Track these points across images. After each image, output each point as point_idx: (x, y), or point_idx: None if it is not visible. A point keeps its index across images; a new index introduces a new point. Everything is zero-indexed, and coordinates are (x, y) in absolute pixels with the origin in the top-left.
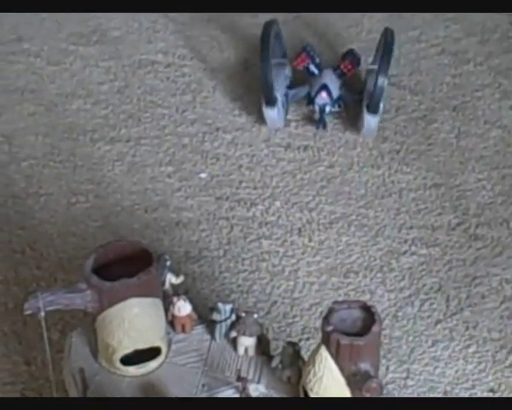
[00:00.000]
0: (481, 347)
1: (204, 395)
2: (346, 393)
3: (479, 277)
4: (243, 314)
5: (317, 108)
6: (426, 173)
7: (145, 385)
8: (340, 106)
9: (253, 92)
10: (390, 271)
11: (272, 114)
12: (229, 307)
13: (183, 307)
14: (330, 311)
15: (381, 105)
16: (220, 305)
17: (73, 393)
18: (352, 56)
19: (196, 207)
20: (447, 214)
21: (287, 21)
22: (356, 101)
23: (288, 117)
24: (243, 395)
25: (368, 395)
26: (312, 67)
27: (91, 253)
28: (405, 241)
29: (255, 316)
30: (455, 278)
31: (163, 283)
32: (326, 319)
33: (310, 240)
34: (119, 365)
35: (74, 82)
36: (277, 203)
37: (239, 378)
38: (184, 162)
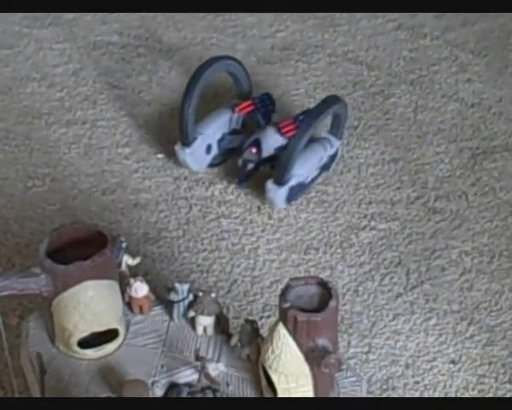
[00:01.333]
0: (442, 319)
1: (163, 375)
2: (304, 369)
3: (438, 250)
4: (201, 294)
5: (240, 161)
6: (384, 148)
7: (104, 368)
8: (273, 166)
9: None
10: (350, 246)
11: (182, 155)
12: (186, 286)
13: (140, 289)
14: (287, 288)
15: (294, 178)
16: (177, 285)
17: (31, 378)
18: (301, 118)
19: (154, 187)
20: (406, 188)
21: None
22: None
23: None
24: (202, 375)
25: (326, 371)
26: (258, 116)
27: (45, 237)
28: (365, 216)
29: (213, 295)
30: (414, 251)
31: (119, 264)
32: (283, 296)
33: (269, 218)
34: (76, 348)
35: (28, 65)
36: (235, 181)
37: (198, 358)
38: (141, 143)
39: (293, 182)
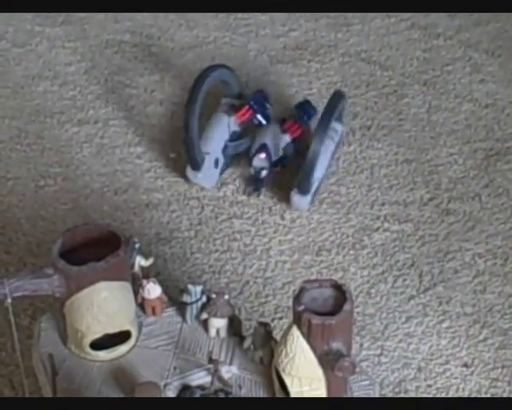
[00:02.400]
0: (455, 322)
1: (176, 377)
2: (318, 373)
3: (451, 252)
4: (214, 295)
5: (252, 171)
6: (397, 149)
7: (116, 370)
8: (284, 165)
9: None
10: (362, 248)
11: (195, 178)
12: (199, 288)
13: (153, 290)
14: (301, 290)
15: (315, 183)
16: (190, 286)
17: (43, 379)
18: (302, 113)
19: (166, 187)
20: (419, 190)
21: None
22: (300, 164)
23: None
24: (215, 377)
25: (340, 375)
26: (259, 117)
27: (58, 237)
28: (377, 217)
29: (226, 297)
30: (427, 253)
31: (132, 265)
32: (297, 299)
33: (281, 218)
34: (88, 350)
35: (41, 64)
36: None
37: (211, 360)
38: (153, 143)
39: (315, 185)
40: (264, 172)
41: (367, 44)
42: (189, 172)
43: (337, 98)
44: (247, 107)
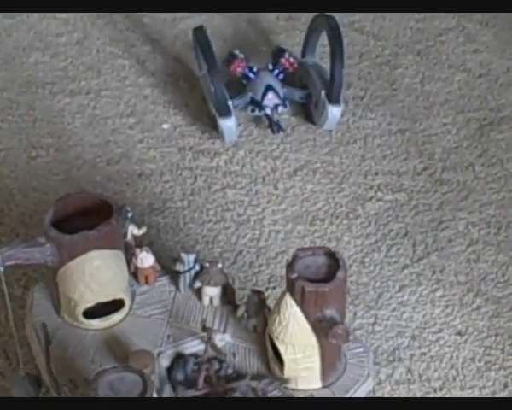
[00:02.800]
0: (448, 290)
1: (169, 346)
2: (312, 340)
3: (445, 221)
4: (207, 264)
5: (268, 110)
6: (390, 119)
7: (109, 338)
8: (285, 106)
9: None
10: (356, 217)
11: (231, 124)
12: (192, 256)
13: (146, 259)
14: (294, 258)
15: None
16: (183, 255)
17: (36, 348)
18: (288, 51)
19: (159, 158)
20: (412, 159)
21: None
22: (302, 97)
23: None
24: (209, 346)
25: (334, 342)
26: (247, 71)
27: (50, 206)
28: (371, 187)
29: (219, 265)
30: (421, 222)
31: (125, 234)
32: (290, 267)
33: (275, 188)
34: (81, 318)
35: (32, 34)
36: (241, 152)
37: (204, 328)
38: (146, 113)
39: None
40: (280, 108)
41: (360, 15)
42: (222, 121)
43: (333, 21)
44: (239, 58)
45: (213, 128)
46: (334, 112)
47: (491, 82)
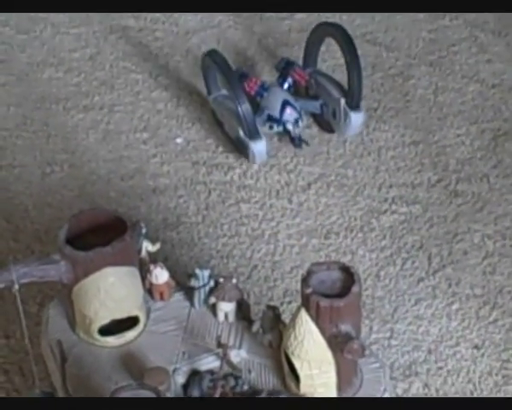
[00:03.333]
0: (464, 303)
1: (184, 362)
2: (327, 355)
3: (460, 233)
4: (221, 280)
5: (290, 126)
6: (404, 131)
7: (125, 355)
8: (303, 119)
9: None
10: (371, 230)
11: (261, 146)
12: (207, 272)
13: (161, 275)
14: (309, 273)
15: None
16: (198, 271)
17: (52, 365)
18: (294, 64)
19: (173, 172)
20: (427, 171)
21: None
22: (317, 109)
23: None
24: (224, 362)
25: (349, 357)
26: (260, 89)
27: (64, 223)
28: (385, 200)
29: (234, 281)
30: (436, 235)
31: (139, 251)
32: (305, 282)
33: (289, 202)
34: (97, 336)
35: (45, 50)
36: (255, 166)
37: (219, 345)
38: (159, 128)
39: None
40: (300, 122)
41: (372, 26)
42: (253, 143)
43: (341, 29)
44: (250, 76)
45: (227, 142)
46: (356, 118)
47: (505, 92)
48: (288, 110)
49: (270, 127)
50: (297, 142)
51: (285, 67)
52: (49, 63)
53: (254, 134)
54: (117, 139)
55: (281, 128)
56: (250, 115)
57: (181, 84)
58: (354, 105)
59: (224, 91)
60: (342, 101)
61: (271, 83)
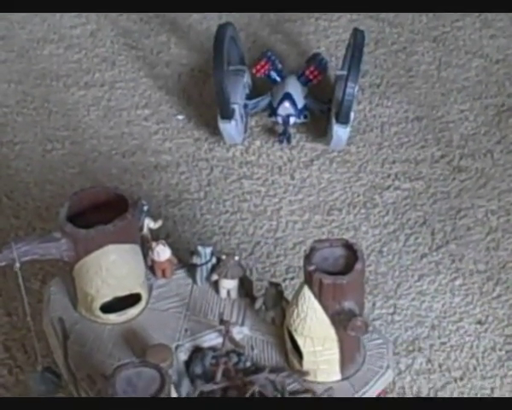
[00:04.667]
0: (468, 279)
1: (187, 339)
2: (330, 332)
3: (464, 209)
4: (224, 257)
5: (279, 119)
6: (407, 106)
7: (127, 332)
8: (306, 117)
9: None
10: (374, 206)
11: (229, 128)
12: (209, 249)
13: (163, 252)
14: (312, 250)
15: (352, 114)
16: (200, 248)
17: (54, 342)
18: (318, 61)
19: (175, 149)
20: (430, 147)
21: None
22: (323, 111)
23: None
24: (226, 339)
25: (353, 334)
26: (274, 74)
27: (65, 201)
28: (388, 175)
29: (236, 258)
30: (439, 211)
31: (141, 228)
32: (308, 259)
33: (291, 178)
34: (98, 313)
35: (45, 27)
36: (257, 142)
37: (222, 321)
38: (161, 104)
39: (352, 118)
40: (291, 119)
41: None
42: (221, 124)
43: (360, 36)
44: (264, 59)
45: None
46: (339, 132)
47: (509, 67)
48: (286, 104)
49: (269, 115)
50: (280, 137)
51: (308, 61)
52: (49, 40)
53: (224, 114)
54: (118, 116)
55: (275, 119)
56: (223, 94)
57: (182, 60)
58: (340, 118)
59: (233, 67)
60: (333, 110)
61: (290, 72)
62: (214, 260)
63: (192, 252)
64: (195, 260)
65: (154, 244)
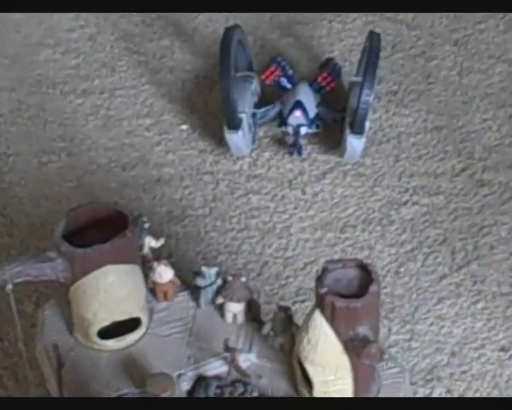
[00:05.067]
0: (491, 302)
1: (190, 367)
2: (343, 360)
3: (486, 226)
4: (230, 278)
5: (290, 129)
6: (426, 115)
7: (126, 360)
8: (318, 126)
9: None
10: (390, 223)
11: (236, 139)
12: (214, 270)
13: (165, 273)
14: (324, 271)
15: (367, 124)
16: (204, 269)
17: (47, 371)
18: (331, 67)
19: (178, 162)
20: (450, 159)
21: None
22: (337, 120)
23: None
24: (232, 367)
25: (367, 362)
26: (284, 81)
27: (61, 217)
28: (406, 190)
29: (243, 279)
30: (460, 228)
31: (141, 247)
32: (319, 280)
33: (302, 193)
34: (96, 339)
35: (41, 30)
36: (266, 154)
37: (227, 348)
38: (164, 114)
39: (367, 128)
40: (303, 129)
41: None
42: (227, 134)
43: (376, 39)
44: (274, 65)
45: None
46: (353, 143)
47: None
48: (297, 113)
49: (279, 125)
50: (291, 149)
51: (321, 66)
52: (45, 44)
53: (231, 123)
54: (118, 126)
55: (285, 128)
56: (230, 102)
57: (187, 67)
58: (354, 128)
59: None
60: (347, 120)
61: (302, 78)
62: (220, 281)
63: (196, 273)
64: (199, 281)
65: (155, 264)
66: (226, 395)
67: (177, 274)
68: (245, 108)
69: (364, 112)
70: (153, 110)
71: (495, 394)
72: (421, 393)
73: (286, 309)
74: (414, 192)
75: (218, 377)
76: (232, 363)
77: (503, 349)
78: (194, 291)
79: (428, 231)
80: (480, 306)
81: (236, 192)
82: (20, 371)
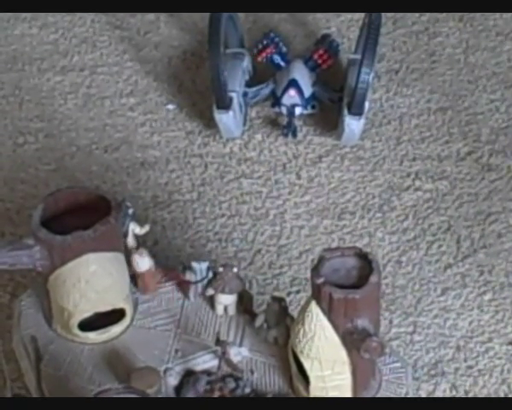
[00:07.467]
0: (498, 293)
1: (177, 361)
2: (341, 354)
3: (494, 213)
4: (221, 269)
5: (284, 110)
6: (430, 95)
7: (109, 353)
8: (314, 107)
9: None
10: (391, 210)
11: (226, 119)
12: (205, 265)
13: (142, 262)
14: (320, 260)
15: (367, 104)
16: (195, 264)
17: (25, 364)
18: (327, 43)
19: (164, 143)
20: (455, 142)
21: None
22: (334, 100)
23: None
24: (223, 361)
25: (367, 356)
26: (277, 59)
27: (39, 202)
28: (408, 175)
29: (235, 270)
30: (466, 215)
31: (125, 234)
32: (316, 270)
33: (297, 177)
34: (77, 331)
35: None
36: (258, 136)
37: (218, 342)
38: (148, 92)
39: (366, 109)
40: (297, 110)
41: None
42: (217, 114)
43: (376, 14)
44: (267, 41)
45: None
46: (351, 125)
47: None
48: (291, 92)
49: (272, 105)
50: (285, 130)
51: (316, 43)
52: (21, 18)
53: (221, 103)
54: (100, 105)
55: (278, 109)
56: (219, 80)
57: (173, 42)
58: (352, 109)
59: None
60: (345, 100)
61: (296, 56)
62: (211, 275)
63: (185, 267)
64: (189, 276)
65: (133, 252)
66: (216, 392)
67: (164, 262)
68: (235, 86)
69: (363, 91)
70: (137, 89)
71: (503, 390)
72: (425, 389)
73: (280, 300)
74: (416, 177)
75: (207, 372)
76: (223, 357)
77: (511, 343)
78: (183, 285)
79: (432, 218)
80: (487, 297)
81: (227, 176)
82: None
